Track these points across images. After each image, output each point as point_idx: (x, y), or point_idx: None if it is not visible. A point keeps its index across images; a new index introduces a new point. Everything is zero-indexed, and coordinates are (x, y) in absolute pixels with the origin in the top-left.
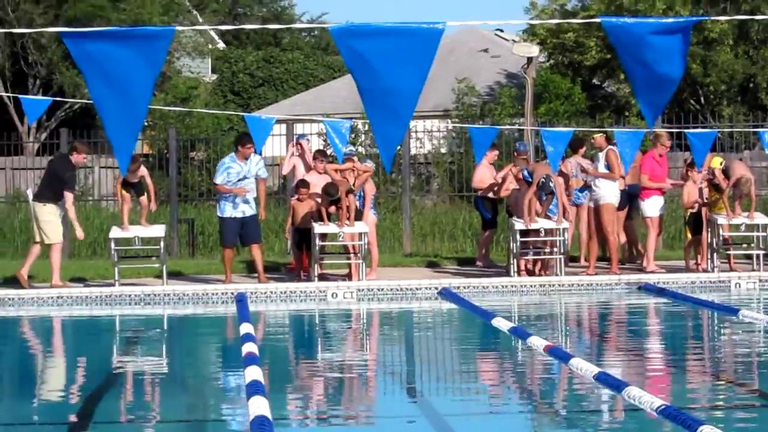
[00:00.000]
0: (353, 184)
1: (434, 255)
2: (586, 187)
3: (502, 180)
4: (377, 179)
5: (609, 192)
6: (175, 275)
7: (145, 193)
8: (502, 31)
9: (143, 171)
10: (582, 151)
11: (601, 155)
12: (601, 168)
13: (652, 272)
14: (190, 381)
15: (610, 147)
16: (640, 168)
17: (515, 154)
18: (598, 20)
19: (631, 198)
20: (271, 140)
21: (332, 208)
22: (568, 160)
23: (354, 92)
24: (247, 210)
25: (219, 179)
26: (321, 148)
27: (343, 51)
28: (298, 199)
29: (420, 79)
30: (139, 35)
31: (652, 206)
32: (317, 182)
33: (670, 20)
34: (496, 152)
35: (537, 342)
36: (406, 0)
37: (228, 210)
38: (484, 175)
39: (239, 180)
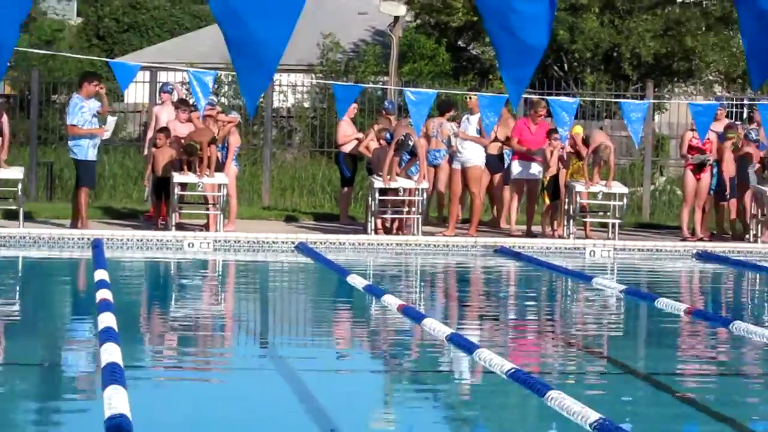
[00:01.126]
0: (217, 135)
1: (293, 209)
2: (453, 149)
3: (364, 137)
4: (240, 131)
5: (475, 155)
6: (31, 218)
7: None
8: None
9: (3, 117)
10: (449, 114)
11: (473, 118)
12: (472, 131)
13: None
14: (42, 326)
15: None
16: (511, 132)
17: (383, 112)
18: None
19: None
20: (134, 87)
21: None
22: (430, 120)
23: (219, 42)
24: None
25: (74, 120)
26: (183, 97)
27: (211, 1)
28: (157, 146)
29: (287, 31)
30: None
31: (515, 169)
32: (179, 131)
33: None
34: (355, 106)
35: (391, 300)
36: None
37: (91, 152)
38: (346, 131)
39: (92, 118)
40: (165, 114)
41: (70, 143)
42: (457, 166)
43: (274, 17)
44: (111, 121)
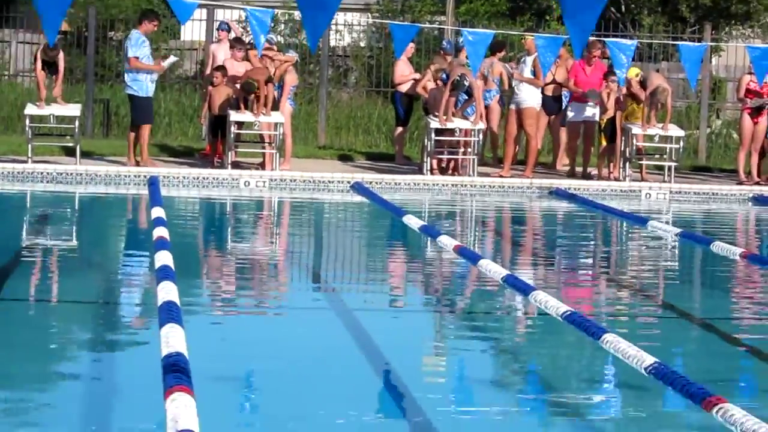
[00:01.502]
0: (273, 74)
1: (348, 149)
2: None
3: (421, 77)
4: (296, 70)
5: (530, 96)
6: (88, 155)
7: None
8: None
9: (60, 54)
10: (501, 54)
11: (529, 60)
12: (527, 73)
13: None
14: (100, 263)
15: (536, 54)
16: (568, 74)
17: (440, 52)
18: None
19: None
20: (191, 24)
21: (251, 96)
22: (483, 60)
23: None
24: None
25: (138, 52)
26: (239, 35)
27: None
28: (214, 85)
29: None
30: None
31: (570, 112)
32: (236, 69)
33: None
34: (412, 45)
35: (446, 241)
36: None
37: (150, 88)
38: (403, 70)
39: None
40: (222, 52)
41: (127, 79)
42: (512, 106)
43: None
44: (171, 59)
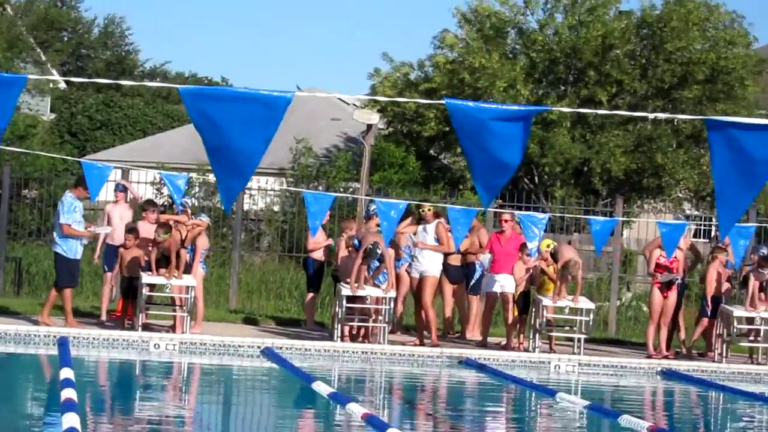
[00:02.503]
0: (185, 237)
1: (259, 313)
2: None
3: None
4: (208, 234)
5: (433, 265)
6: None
7: None
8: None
9: None
10: (406, 221)
11: (430, 228)
12: (431, 240)
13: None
14: (7, 423)
15: (439, 221)
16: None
17: (364, 220)
18: (442, 102)
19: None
20: (106, 186)
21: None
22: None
23: (192, 143)
24: None
25: (69, 219)
26: (151, 198)
27: (192, 112)
28: (126, 247)
29: (265, 142)
30: None
31: (485, 283)
32: (147, 231)
33: (513, 107)
34: (328, 214)
35: (355, 409)
36: (253, 54)
37: (79, 251)
38: (317, 237)
39: (81, 219)
40: (117, 213)
41: (58, 240)
42: (416, 274)
43: (253, 129)
44: (104, 229)
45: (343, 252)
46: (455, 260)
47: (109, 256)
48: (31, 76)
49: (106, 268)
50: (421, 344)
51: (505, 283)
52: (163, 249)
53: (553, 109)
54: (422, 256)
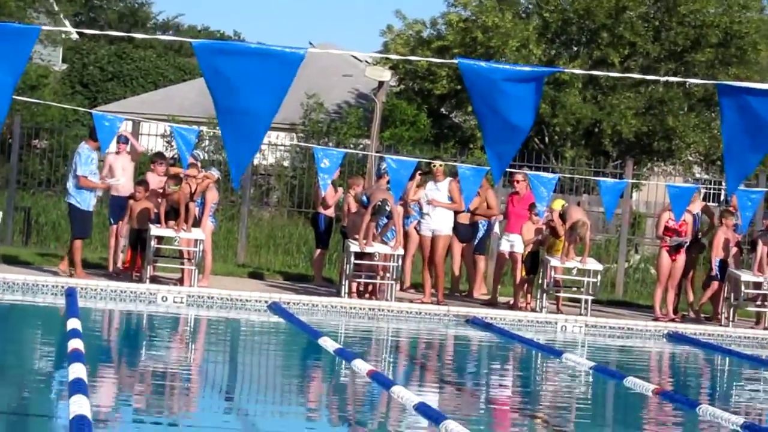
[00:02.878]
0: (195, 191)
1: (267, 268)
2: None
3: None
4: (218, 188)
5: (445, 223)
6: (7, 262)
7: None
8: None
9: None
10: (416, 179)
11: (442, 186)
12: (443, 198)
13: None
14: (13, 373)
15: (451, 178)
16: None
17: (375, 178)
18: (455, 62)
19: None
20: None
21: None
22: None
23: (202, 96)
24: None
25: (86, 171)
26: (161, 150)
27: (204, 67)
28: (135, 199)
29: (277, 101)
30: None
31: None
32: (156, 183)
33: (526, 69)
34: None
35: (360, 365)
36: (265, 8)
37: (92, 203)
38: (331, 192)
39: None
40: (119, 163)
41: (72, 191)
42: (426, 232)
43: (265, 87)
44: (116, 180)
45: (350, 208)
46: (464, 219)
47: (115, 207)
48: (44, 27)
49: (112, 221)
50: (428, 301)
51: (515, 243)
52: (172, 201)
53: (566, 70)
54: (434, 214)
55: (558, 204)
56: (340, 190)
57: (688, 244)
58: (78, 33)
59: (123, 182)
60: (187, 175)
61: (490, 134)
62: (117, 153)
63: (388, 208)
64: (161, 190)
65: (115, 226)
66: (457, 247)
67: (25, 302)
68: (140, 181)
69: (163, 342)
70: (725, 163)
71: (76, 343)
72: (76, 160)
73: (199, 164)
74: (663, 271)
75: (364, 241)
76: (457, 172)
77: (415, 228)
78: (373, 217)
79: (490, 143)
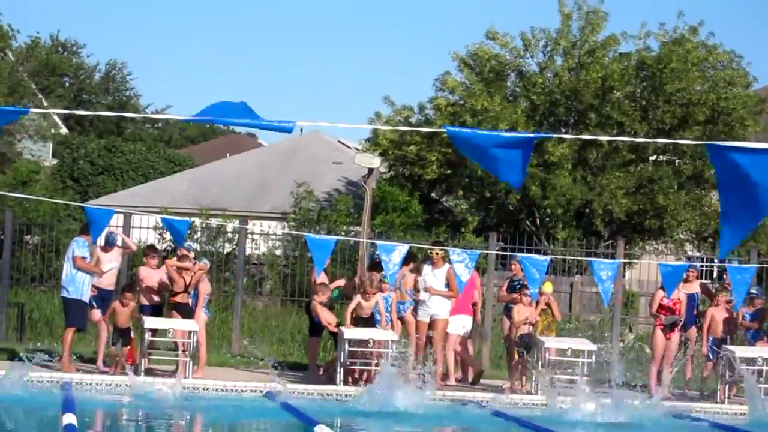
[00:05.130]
0: (189, 283)
1: (261, 358)
2: (418, 301)
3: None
4: (210, 278)
5: (443, 308)
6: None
7: None
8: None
9: None
10: (412, 265)
11: (440, 272)
12: (440, 286)
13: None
14: None
15: (449, 265)
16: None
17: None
18: (443, 130)
19: None
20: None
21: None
22: (404, 274)
23: (193, 187)
24: None
25: (84, 253)
26: (152, 243)
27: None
28: (123, 305)
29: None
30: None
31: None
32: (148, 276)
33: (513, 135)
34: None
35: None
36: (254, 99)
37: (85, 293)
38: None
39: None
40: (107, 257)
41: (65, 283)
42: (424, 318)
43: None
44: (111, 265)
45: (323, 314)
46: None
47: (97, 298)
48: (33, 110)
49: (95, 306)
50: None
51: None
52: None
53: (552, 135)
54: (431, 300)
55: (548, 287)
56: (337, 281)
57: (682, 322)
58: (67, 127)
59: (116, 266)
60: (180, 268)
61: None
62: (103, 247)
63: (366, 281)
64: (152, 286)
65: (101, 318)
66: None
67: (21, 397)
68: (128, 285)
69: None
70: (721, 224)
71: None
72: (73, 247)
73: (192, 254)
74: (658, 349)
75: (331, 323)
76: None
77: (411, 313)
78: (358, 302)
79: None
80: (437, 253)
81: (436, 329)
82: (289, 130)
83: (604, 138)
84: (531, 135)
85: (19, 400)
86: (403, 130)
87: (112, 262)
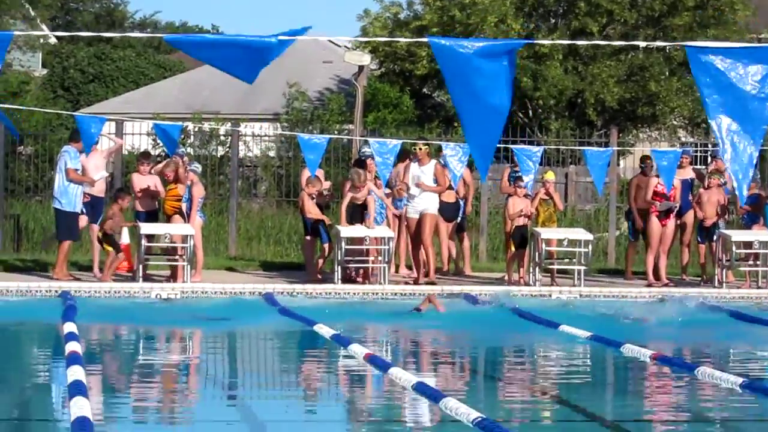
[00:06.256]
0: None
1: (259, 259)
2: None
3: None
4: (205, 182)
5: (432, 203)
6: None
7: None
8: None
9: None
10: (407, 162)
11: (427, 168)
12: (429, 181)
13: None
14: (12, 379)
15: (436, 160)
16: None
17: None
18: (425, 40)
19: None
20: (100, 139)
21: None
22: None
23: (185, 92)
24: None
25: (76, 165)
26: (146, 149)
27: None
28: (107, 217)
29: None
30: None
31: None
32: (141, 182)
33: (497, 42)
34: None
35: (357, 350)
36: (241, 2)
37: (78, 204)
38: (309, 207)
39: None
40: (92, 163)
41: (57, 194)
42: (413, 214)
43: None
44: (102, 173)
45: (308, 204)
46: (450, 197)
47: (87, 206)
48: (17, 32)
49: (85, 214)
50: (418, 282)
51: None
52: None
53: (537, 42)
54: (420, 195)
55: (550, 175)
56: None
57: (677, 208)
58: (54, 35)
59: (105, 175)
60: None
61: (470, 125)
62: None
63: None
64: (146, 188)
65: (94, 225)
66: (443, 226)
67: (20, 308)
68: (124, 188)
69: (159, 339)
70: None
71: (73, 346)
72: (65, 158)
73: (186, 159)
74: (654, 236)
75: (312, 213)
76: (443, 154)
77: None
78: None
79: (471, 136)
80: (421, 149)
81: (424, 223)
82: (273, 45)
83: (584, 42)
84: (516, 41)
85: (20, 310)
86: (389, 40)
87: (101, 171)
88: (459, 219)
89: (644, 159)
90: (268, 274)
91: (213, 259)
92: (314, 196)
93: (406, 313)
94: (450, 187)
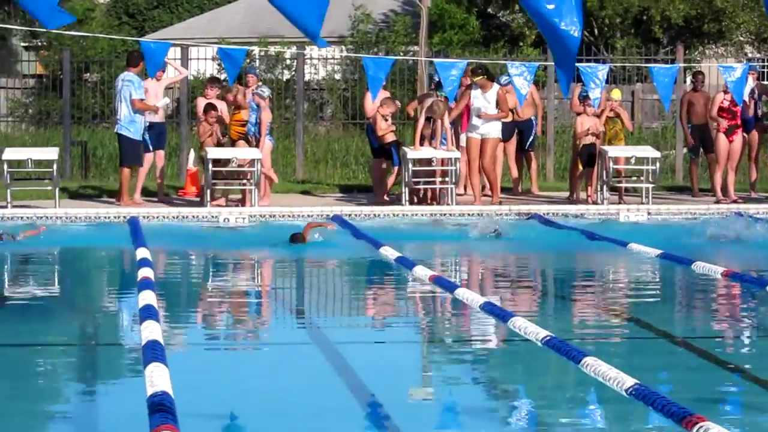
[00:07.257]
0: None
1: (327, 182)
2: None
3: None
4: (272, 106)
5: (494, 127)
6: (67, 198)
7: None
8: None
9: None
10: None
11: (490, 95)
12: (492, 109)
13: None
14: (84, 305)
15: (497, 87)
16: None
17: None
18: None
19: (521, 130)
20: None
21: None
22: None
23: (250, 16)
24: None
25: (141, 94)
26: (213, 74)
27: None
28: (208, 122)
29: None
30: None
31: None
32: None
33: None
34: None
35: (422, 272)
36: None
37: (142, 130)
38: (380, 123)
39: None
40: (153, 91)
41: (124, 121)
42: (476, 137)
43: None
44: (165, 101)
45: (384, 126)
46: (507, 118)
47: (152, 133)
48: None
49: (151, 147)
50: (479, 204)
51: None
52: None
53: None
54: (481, 121)
55: (617, 93)
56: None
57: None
58: None
59: (168, 102)
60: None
61: (549, 39)
62: (154, 78)
63: (436, 109)
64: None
65: (151, 154)
66: (510, 147)
67: (89, 236)
68: (209, 104)
69: (229, 263)
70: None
71: (144, 272)
72: (130, 88)
73: (257, 77)
74: (721, 153)
75: (418, 145)
76: (509, 76)
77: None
78: (426, 123)
79: (553, 49)
80: (480, 78)
81: (486, 147)
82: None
83: None
84: None
85: (89, 237)
86: None
87: (165, 98)
88: (531, 138)
89: (696, 74)
90: (336, 195)
91: (281, 183)
92: (388, 117)
93: (473, 238)
94: (512, 111)
